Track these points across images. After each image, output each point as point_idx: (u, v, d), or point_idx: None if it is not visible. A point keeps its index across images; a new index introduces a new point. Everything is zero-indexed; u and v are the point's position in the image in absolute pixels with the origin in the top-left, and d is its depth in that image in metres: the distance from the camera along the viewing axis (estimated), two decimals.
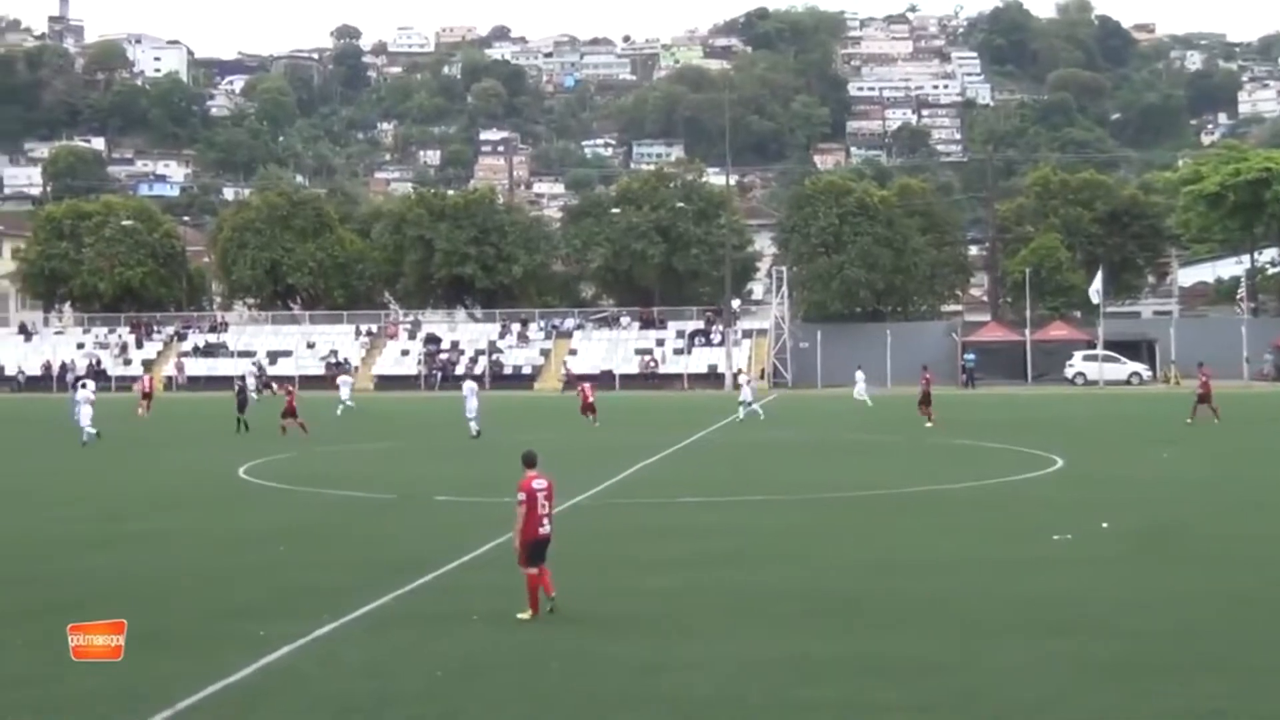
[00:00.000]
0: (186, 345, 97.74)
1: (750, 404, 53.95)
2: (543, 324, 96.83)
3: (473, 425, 45.84)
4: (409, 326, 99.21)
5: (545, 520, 16.12)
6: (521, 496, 16.10)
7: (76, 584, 18.79)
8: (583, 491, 28.57)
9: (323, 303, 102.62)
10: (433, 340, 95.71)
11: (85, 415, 44.23)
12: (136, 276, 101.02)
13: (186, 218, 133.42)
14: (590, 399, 53.03)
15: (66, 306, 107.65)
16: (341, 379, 66.20)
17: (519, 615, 16.03)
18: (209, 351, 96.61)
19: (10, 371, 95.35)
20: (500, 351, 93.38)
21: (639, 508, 26.76)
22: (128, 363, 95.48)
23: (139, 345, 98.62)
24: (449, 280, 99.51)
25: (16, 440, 48.05)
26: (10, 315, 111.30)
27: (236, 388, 53.72)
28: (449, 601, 17.27)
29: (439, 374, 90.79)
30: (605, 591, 17.92)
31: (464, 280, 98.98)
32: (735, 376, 58.04)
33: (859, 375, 67.08)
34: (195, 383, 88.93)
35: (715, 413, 57.86)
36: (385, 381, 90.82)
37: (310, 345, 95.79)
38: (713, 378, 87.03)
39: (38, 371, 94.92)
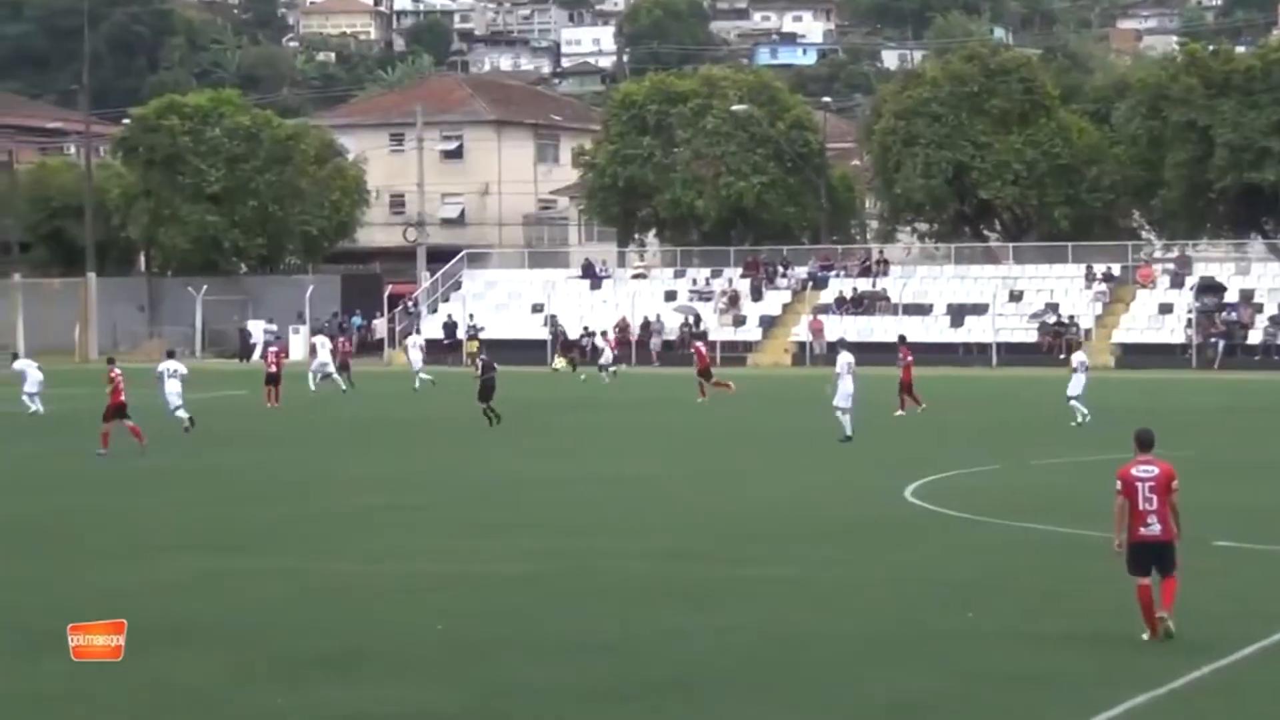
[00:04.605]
0: (826, 296, 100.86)
1: (1074, 399, 52.59)
2: None
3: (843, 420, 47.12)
4: (1171, 267, 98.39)
5: (1152, 518, 19.66)
6: (1118, 485, 19.86)
7: (651, 658, 20.14)
8: None
9: (1036, 229, 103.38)
10: (1210, 289, 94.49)
11: (173, 393, 49.22)
12: (751, 190, 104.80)
13: (827, 99, 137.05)
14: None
15: (650, 236, 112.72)
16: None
17: (1142, 635, 19.76)
18: (861, 305, 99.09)
19: (574, 333, 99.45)
20: None
21: None
22: (739, 322, 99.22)
23: (756, 295, 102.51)
24: (1237, 193, 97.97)
25: (606, 431, 51.53)
26: (570, 250, 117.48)
27: (479, 365, 54.13)
28: (1224, 709, 17.47)
29: (1219, 342, 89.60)
30: None
31: (1261, 192, 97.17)
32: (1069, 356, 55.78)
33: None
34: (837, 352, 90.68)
35: None
36: (1134, 354, 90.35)
37: (1014, 296, 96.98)
38: None
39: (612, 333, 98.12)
